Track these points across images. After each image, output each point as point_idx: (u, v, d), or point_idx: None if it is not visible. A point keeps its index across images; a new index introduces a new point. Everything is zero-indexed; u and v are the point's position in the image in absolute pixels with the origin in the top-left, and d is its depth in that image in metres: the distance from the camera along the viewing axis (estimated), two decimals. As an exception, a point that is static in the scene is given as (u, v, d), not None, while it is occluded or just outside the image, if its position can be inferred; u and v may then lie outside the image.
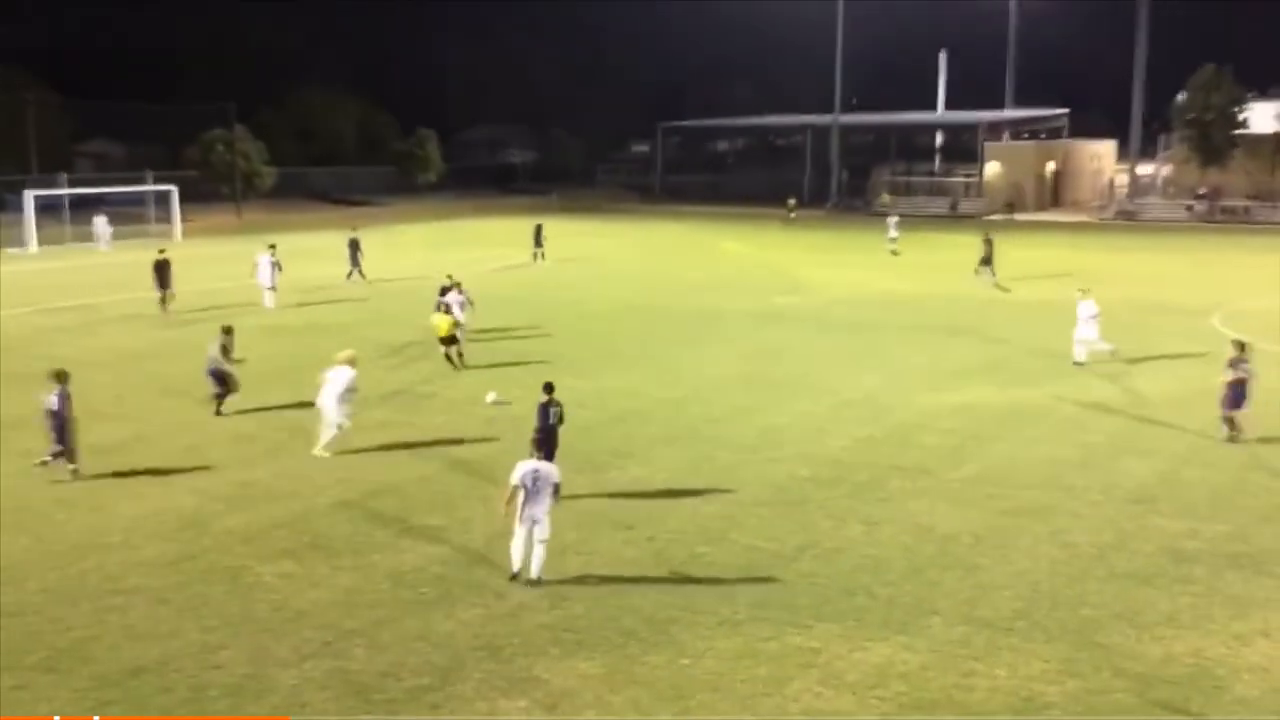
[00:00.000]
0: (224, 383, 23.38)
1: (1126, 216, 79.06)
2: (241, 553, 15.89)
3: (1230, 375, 21.13)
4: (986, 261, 42.44)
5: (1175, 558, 15.56)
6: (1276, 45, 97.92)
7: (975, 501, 17.91)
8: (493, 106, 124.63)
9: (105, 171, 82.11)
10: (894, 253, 55.43)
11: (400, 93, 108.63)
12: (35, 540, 16.32)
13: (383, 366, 28.31)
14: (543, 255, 49.80)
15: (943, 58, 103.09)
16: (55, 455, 19.13)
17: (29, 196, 58.39)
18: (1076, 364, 28.08)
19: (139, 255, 55.54)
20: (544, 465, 15.00)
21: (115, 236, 59.36)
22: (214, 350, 23.47)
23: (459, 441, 21.49)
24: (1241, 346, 21.51)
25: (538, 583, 14.54)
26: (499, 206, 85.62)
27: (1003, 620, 13.63)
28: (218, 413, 23.22)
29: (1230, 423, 21.22)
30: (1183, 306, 36.88)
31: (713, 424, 22.69)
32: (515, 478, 14.61)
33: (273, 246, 38.60)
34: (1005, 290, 40.77)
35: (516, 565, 14.71)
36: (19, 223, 58.08)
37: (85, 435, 21.87)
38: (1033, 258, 53.95)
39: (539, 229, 50.57)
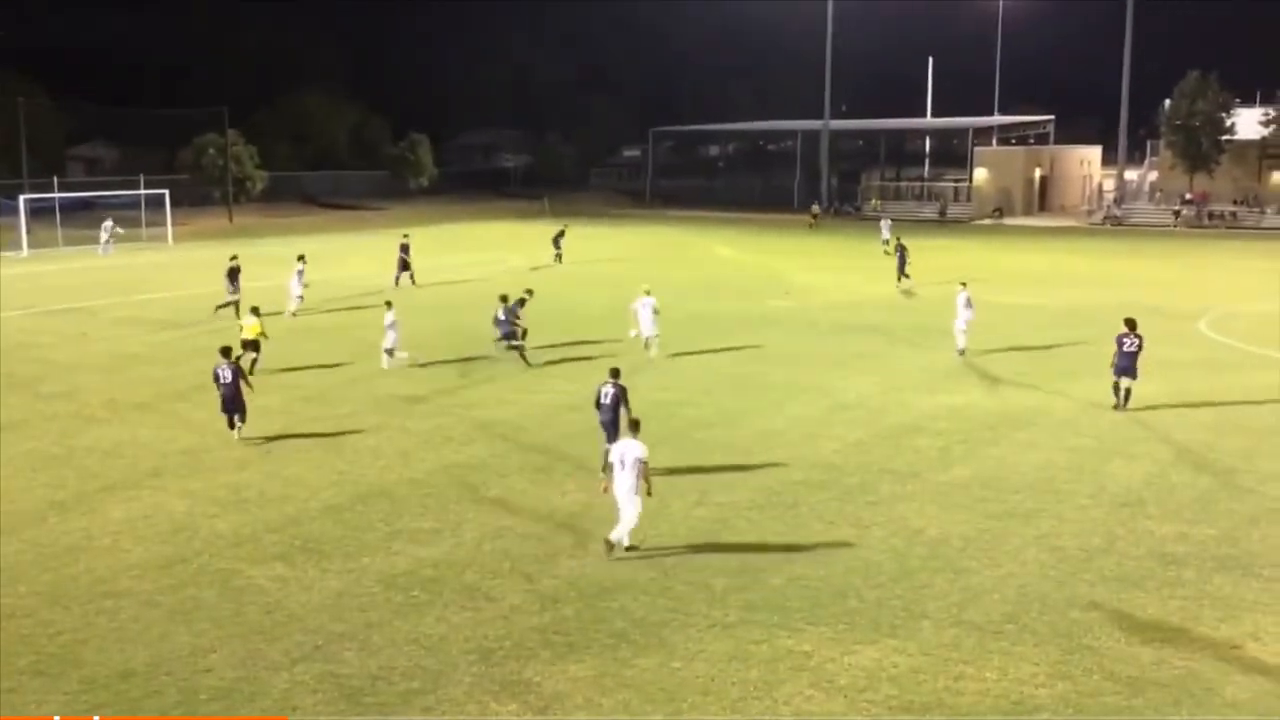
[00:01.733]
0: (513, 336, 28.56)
1: (1114, 221, 79.43)
2: (232, 556, 15.88)
3: (1125, 348, 23.65)
4: (902, 267, 43.67)
5: (1164, 561, 15.62)
6: (1262, 52, 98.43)
7: (965, 505, 17.97)
8: (486, 111, 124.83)
9: (98, 175, 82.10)
10: (888, 253, 55.72)
11: (394, 97, 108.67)
12: (27, 543, 16.30)
13: (374, 370, 28.30)
14: (559, 258, 51.76)
15: (931, 64, 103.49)
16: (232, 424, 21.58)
17: (22, 200, 58.28)
18: (960, 352, 29.68)
19: (132, 259, 55.72)
20: (630, 443, 15.64)
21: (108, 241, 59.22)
22: (501, 313, 28.79)
23: (450, 445, 21.49)
24: (1132, 324, 23.95)
25: (613, 551, 15.56)
26: (492, 211, 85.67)
27: (992, 623, 13.67)
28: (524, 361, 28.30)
29: (1119, 390, 23.94)
30: (1171, 310, 37.03)
31: (705, 427, 22.72)
32: (611, 457, 15.71)
33: (301, 258, 38.66)
34: (910, 295, 41.64)
35: (613, 536, 15.66)
36: (13, 226, 57.96)
37: (78, 438, 21.97)
38: (1021, 262, 54.19)
39: (560, 233, 53.29)
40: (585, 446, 21.15)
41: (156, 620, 13.80)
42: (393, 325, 28.45)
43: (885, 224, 61.29)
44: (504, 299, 29.46)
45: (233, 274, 36.75)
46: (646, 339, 29.87)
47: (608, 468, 15.81)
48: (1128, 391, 23.99)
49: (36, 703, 11.87)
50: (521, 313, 29.60)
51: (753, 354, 30.57)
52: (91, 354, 30.68)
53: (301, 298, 37.62)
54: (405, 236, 45.95)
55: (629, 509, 15.55)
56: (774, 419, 23.42)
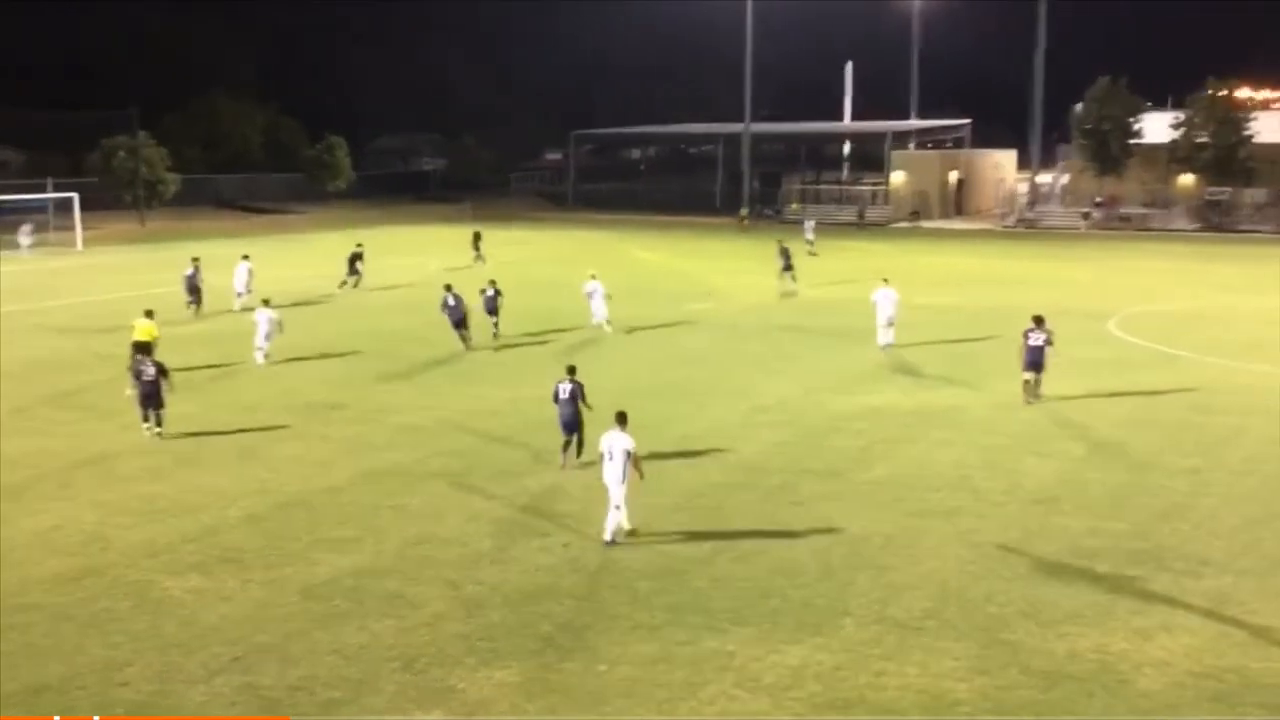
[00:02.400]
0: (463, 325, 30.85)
1: (1027, 224, 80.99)
2: (148, 567, 15.56)
3: (1030, 341, 24.58)
4: (787, 268, 43.66)
5: (1078, 556, 15.98)
6: (1170, 58, 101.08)
7: (885, 503, 18.22)
8: (404, 114, 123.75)
9: (2, 179, 79.77)
10: (811, 253, 56.45)
11: (309, 100, 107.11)
12: (-70, 558, 15.81)
13: (296, 376, 27.93)
14: (482, 258, 51.99)
15: (849, 69, 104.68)
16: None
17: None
18: (883, 348, 30.81)
19: (40, 264, 54.32)
20: (616, 435, 16.24)
21: (6, 246, 57.62)
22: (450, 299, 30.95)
23: (371, 452, 21.27)
24: (1040, 320, 24.87)
25: (611, 544, 16.08)
26: (412, 215, 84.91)
27: (913, 619, 13.87)
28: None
29: (1028, 385, 24.76)
30: (1082, 311, 37.84)
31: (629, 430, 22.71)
32: (600, 447, 16.36)
33: (246, 256, 39.75)
34: (791, 295, 42.32)
35: (607, 534, 16.23)
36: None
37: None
38: (937, 264, 55.06)
39: (478, 235, 54.18)
40: (506, 452, 21.10)
41: (69, 634, 13.48)
42: (268, 323, 29.39)
43: (809, 225, 62.35)
44: (448, 287, 32.05)
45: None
46: (600, 322, 33.97)
47: (599, 457, 16.44)
48: (1037, 383, 24.78)
49: (-57, 722, 11.54)
50: (501, 301, 33.09)
51: (674, 357, 30.69)
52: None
53: (243, 294, 38.11)
54: (359, 246, 45.72)
55: (617, 499, 16.16)
56: (696, 422, 23.53)
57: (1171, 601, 14.41)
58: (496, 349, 31.58)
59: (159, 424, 21.91)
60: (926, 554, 16.03)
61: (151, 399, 21.80)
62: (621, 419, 16.53)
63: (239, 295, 38.14)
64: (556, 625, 13.69)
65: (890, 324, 31.21)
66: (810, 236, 59.83)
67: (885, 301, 31.22)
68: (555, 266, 51.23)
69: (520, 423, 23.22)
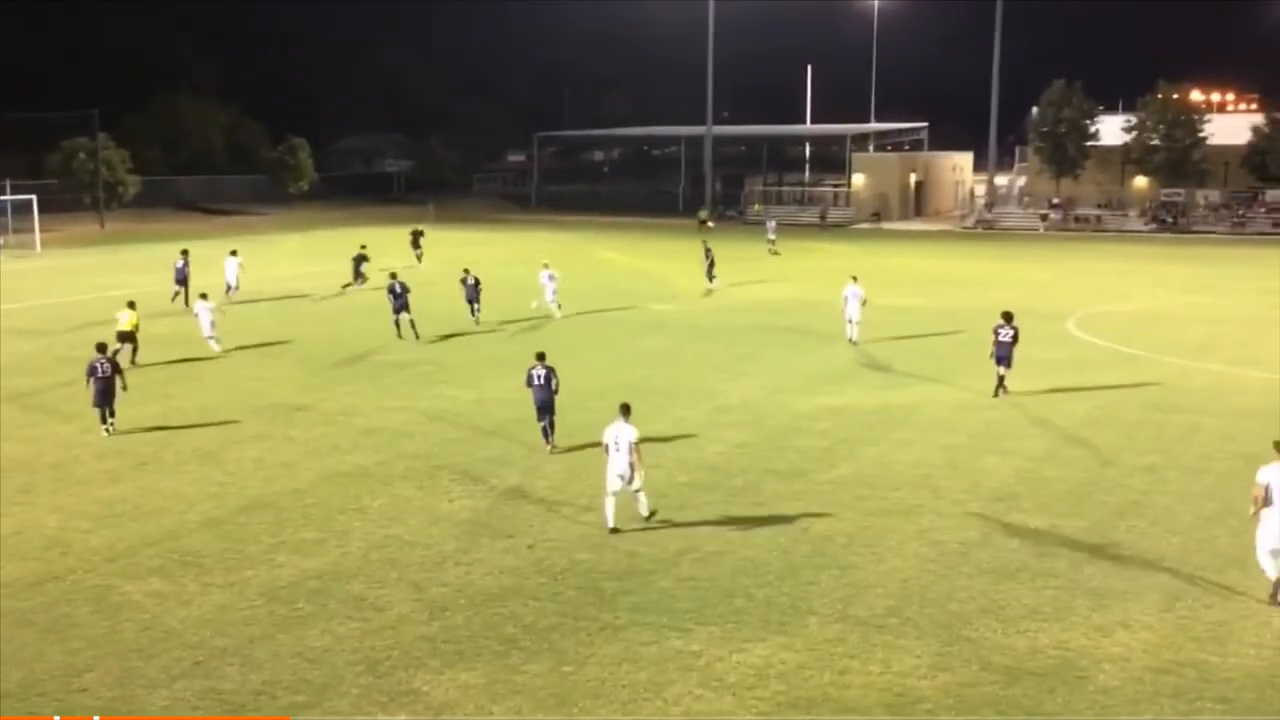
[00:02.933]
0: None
1: (985, 225, 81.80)
2: (107, 571, 15.42)
3: (1000, 337, 25.30)
4: (710, 270, 44.96)
5: (1037, 553, 16.15)
6: (1123, 63, 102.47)
7: (847, 503, 18.33)
8: (367, 116, 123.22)
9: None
10: (774, 252, 56.83)
11: (271, 101, 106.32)
12: (-116, 565, 15.58)
13: (259, 378, 27.74)
14: (420, 258, 51.96)
15: (809, 72, 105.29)
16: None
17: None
18: (851, 342, 32.04)
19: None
20: (621, 426, 16.69)
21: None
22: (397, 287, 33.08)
23: (334, 454, 21.17)
24: (1009, 316, 25.58)
25: (651, 516, 17.01)
26: (375, 216, 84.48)
27: (876, 618, 13.98)
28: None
29: (1002, 379, 25.53)
30: (1039, 311, 38.18)
31: (591, 432, 22.60)
32: (603, 438, 16.79)
33: (234, 252, 42.01)
34: (708, 294, 43.53)
35: (610, 521, 16.69)
36: None
37: (-63, 454, 21.03)
38: (898, 265, 55.45)
39: (417, 234, 53.84)
40: (470, 453, 21.07)
41: (29, 640, 13.34)
42: (209, 313, 31.10)
43: (770, 225, 63.45)
44: (394, 275, 35.23)
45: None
46: (550, 304, 36.95)
47: (604, 448, 16.84)
48: (1001, 378, 25.56)
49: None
50: (481, 289, 35.82)
51: (637, 358, 30.74)
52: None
53: (234, 288, 40.48)
54: (363, 248, 45.37)
55: (635, 481, 16.72)
56: (658, 422, 23.52)
57: (1129, 598, 14.59)
58: (457, 342, 31.49)
59: (112, 417, 22.34)
60: (888, 553, 16.15)
61: (105, 396, 22.17)
62: (625, 410, 17.02)
63: (230, 289, 40.06)
64: (521, 627, 13.69)
65: (853, 321, 32.26)
66: (772, 236, 61.70)
67: (853, 298, 32.30)
68: (518, 267, 51.07)
69: (485, 424, 23.20)
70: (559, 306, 37.03)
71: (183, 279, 38.61)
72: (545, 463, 20.51)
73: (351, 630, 13.60)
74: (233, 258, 41.31)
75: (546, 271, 37.65)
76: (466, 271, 36.19)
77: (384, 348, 31.89)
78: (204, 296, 32.08)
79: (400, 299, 33.20)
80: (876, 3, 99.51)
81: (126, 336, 28.22)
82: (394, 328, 33.25)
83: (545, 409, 20.97)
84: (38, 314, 38.30)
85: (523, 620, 13.86)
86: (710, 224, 77.53)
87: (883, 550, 16.24)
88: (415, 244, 52.88)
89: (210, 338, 30.88)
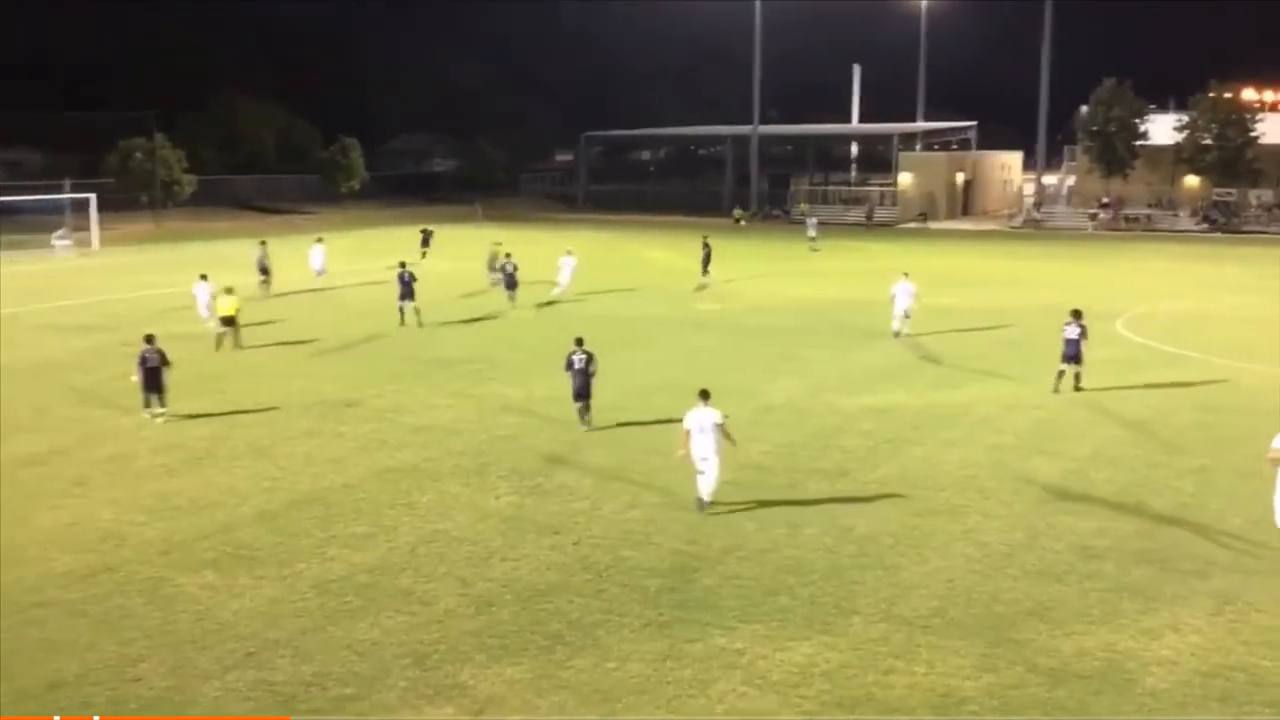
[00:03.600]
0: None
1: (1034, 225, 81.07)
2: (162, 564, 15.70)
3: (1066, 335, 25.85)
4: (706, 263, 45.74)
5: (1084, 555, 16.04)
6: (1174, 61, 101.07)
7: (892, 503, 18.29)
8: (417, 116, 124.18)
9: (21, 179, 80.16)
10: (814, 249, 56.84)
11: (324, 102, 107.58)
12: (-52, 555, 15.96)
13: (311, 374, 28.09)
14: (424, 256, 53.47)
15: (857, 71, 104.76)
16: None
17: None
18: (896, 336, 32.78)
19: (56, 264, 54.62)
20: (703, 410, 17.49)
21: (30, 246, 58.05)
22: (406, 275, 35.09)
23: (384, 450, 21.41)
24: (1077, 313, 26.21)
25: (706, 505, 17.59)
26: (424, 215, 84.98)
27: (920, 618, 13.95)
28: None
29: (1063, 375, 25.91)
30: (1088, 310, 37.57)
31: (637, 430, 22.85)
32: (685, 423, 17.52)
33: (320, 239, 45.86)
34: (703, 287, 44.38)
35: (705, 496, 17.63)
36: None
37: (1, 446, 21.54)
38: (946, 265, 55.07)
39: (427, 233, 56.14)
40: (517, 450, 21.22)
41: (84, 630, 13.62)
42: (207, 294, 32.75)
43: (812, 222, 64.24)
44: (402, 264, 36.94)
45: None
46: (561, 290, 40.76)
47: (685, 434, 17.60)
48: (1077, 375, 25.98)
49: (-38, 716, 11.68)
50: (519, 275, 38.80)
51: (681, 356, 30.78)
52: (14, 360, 30.05)
53: (322, 272, 44.22)
54: (425, 229, 52.41)
55: (712, 468, 17.45)
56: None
57: (1179, 601, 14.46)
58: (520, 323, 31.72)
59: (162, 406, 23.46)
60: (933, 553, 16.11)
61: (154, 384, 23.29)
62: (705, 395, 17.77)
63: (318, 274, 44.30)
64: (566, 623, 13.80)
65: (907, 316, 33.09)
66: (813, 234, 62.94)
67: (903, 294, 33.08)
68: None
69: (532, 422, 23.37)
70: (561, 292, 40.87)
71: (264, 269, 41.19)
72: (592, 460, 20.64)
73: (399, 624, 13.78)
74: (319, 244, 44.85)
75: (568, 259, 41.66)
76: (507, 257, 39.51)
77: (432, 344, 32.16)
78: (204, 277, 33.91)
79: (407, 287, 35.09)
80: (925, 1, 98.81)
81: (228, 321, 30.93)
82: (398, 314, 35.15)
83: (583, 393, 22.43)
84: (96, 310, 39.01)
85: (567, 616, 13.97)
86: (742, 222, 77.60)
87: (928, 550, 16.20)
88: (425, 242, 55.16)
89: (207, 319, 32.54)
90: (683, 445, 17.53)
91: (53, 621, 13.84)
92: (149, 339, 23.60)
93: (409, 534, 16.85)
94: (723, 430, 17.47)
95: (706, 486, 17.62)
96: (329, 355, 30.69)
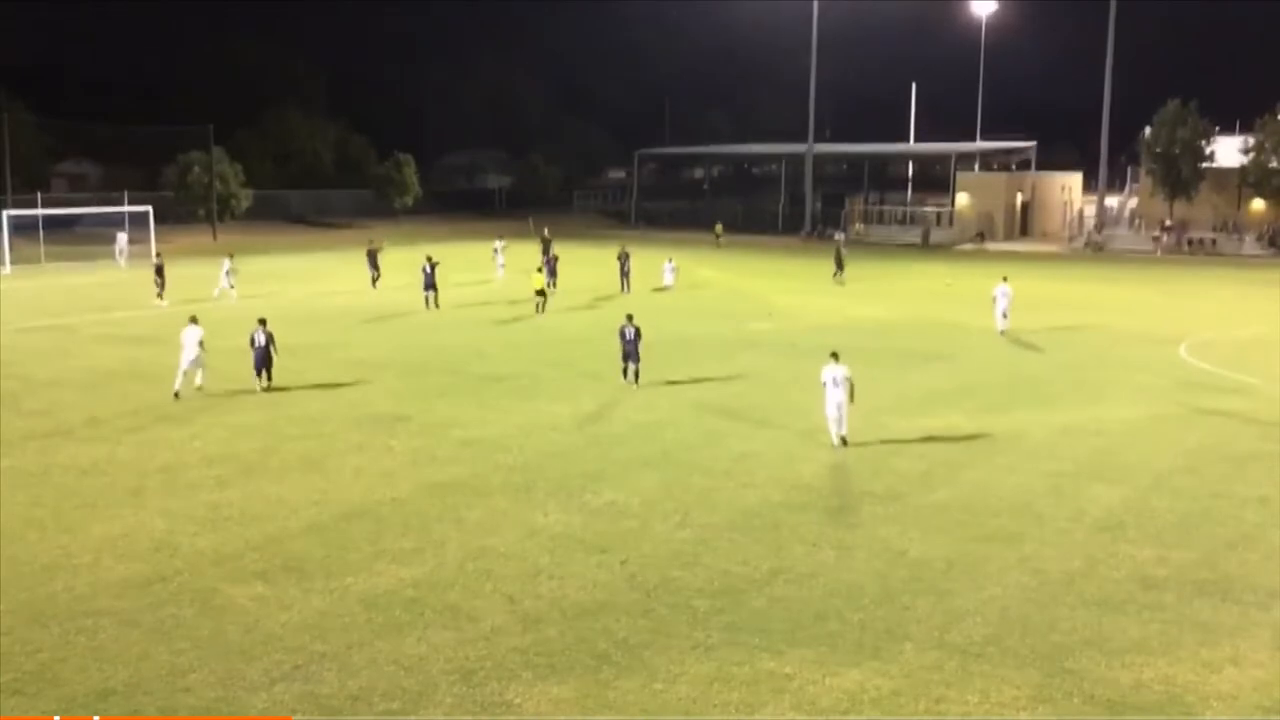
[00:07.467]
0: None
1: (1095, 247, 79.90)
2: (212, 575, 15.81)
3: None
4: (839, 266, 53.42)
5: (1144, 584, 15.69)
6: (1240, 82, 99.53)
7: (946, 528, 18.02)
8: (471, 132, 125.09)
9: (81, 191, 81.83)
10: (839, 283, 57.03)
11: (379, 117, 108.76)
12: (6, 561, 16.18)
13: (362, 389, 28.27)
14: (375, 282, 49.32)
15: (914, 89, 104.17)
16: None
17: (4, 216, 58.11)
18: (1001, 333, 36.52)
19: (115, 276, 55.54)
20: (835, 367, 22.40)
21: (88, 258, 59.08)
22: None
23: (433, 464, 21.45)
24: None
25: (844, 443, 22.35)
26: (477, 231, 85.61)
27: (974, 646, 13.70)
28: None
29: None
30: (1150, 335, 37.27)
31: (687, 449, 22.75)
32: (821, 376, 22.47)
33: (430, 257, 44.45)
34: (841, 284, 51.07)
35: (843, 433, 22.48)
36: (-4, 242, 57.82)
37: (57, 455, 21.88)
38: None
39: (432, 265, 47.21)
40: (565, 467, 21.18)
41: (135, 639, 13.72)
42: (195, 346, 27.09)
43: (840, 237, 67.55)
44: (428, 257, 42.65)
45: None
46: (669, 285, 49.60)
47: (821, 387, 22.55)
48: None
49: (13, 722, 11.80)
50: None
51: (734, 376, 30.63)
52: (71, 371, 30.53)
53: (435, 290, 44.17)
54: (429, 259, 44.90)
55: (843, 416, 22.30)
56: (754, 441, 23.46)
57: (1240, 633, 14.12)
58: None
59: (269, 379, 27.47)
60: (988, 580, 15.83)
61: (262, 362, 27.36)
62: (835, 356, 22.61)
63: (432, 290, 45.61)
64: (613, 642, 13.70)
65: (1005, 315, 37.03)
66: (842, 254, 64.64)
67: (1002, 296, 37.15)
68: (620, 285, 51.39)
69: (580, 438, 23.33)
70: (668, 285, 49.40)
71: (431, 284, 43.01)
72: (641, 478, 20.53)
73: (446, 639, 13.75)
74: (428, 263, 44.40)
75: (669, 264, 51.12)
76: (428, 259, 43.00)
77: (482, 361, 32.26)
78: (194, 320, 28.91)
79: (429, 278, 42.34)
80: (985, 18, 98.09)
81: (540, 293, 41.55)
82: (423, 302, 42.21)
83: (632, 357, 28.02)
84: (152, 322, 39.53)
85: (615, 635, 13.87)
86: (721, 239, 77.66)
87: (982, 577, 15.92)
88: (373, 264, 49.66)
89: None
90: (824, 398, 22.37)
91: (105, 630, 13.96)
92: (262, 321, 27.37)
93: (457, 549, 16.84)
94: (849, 383, 22.00)
95: (841, 429, 22.27)
96: (378, 371, 30.81)
